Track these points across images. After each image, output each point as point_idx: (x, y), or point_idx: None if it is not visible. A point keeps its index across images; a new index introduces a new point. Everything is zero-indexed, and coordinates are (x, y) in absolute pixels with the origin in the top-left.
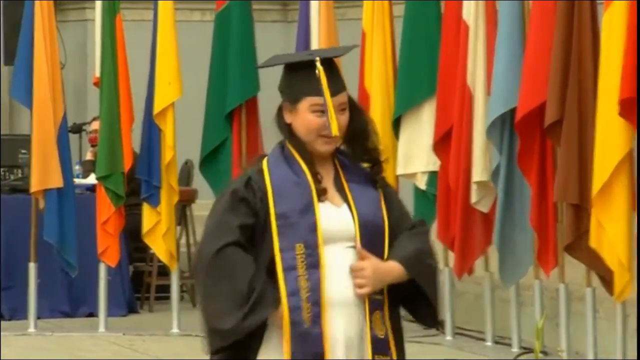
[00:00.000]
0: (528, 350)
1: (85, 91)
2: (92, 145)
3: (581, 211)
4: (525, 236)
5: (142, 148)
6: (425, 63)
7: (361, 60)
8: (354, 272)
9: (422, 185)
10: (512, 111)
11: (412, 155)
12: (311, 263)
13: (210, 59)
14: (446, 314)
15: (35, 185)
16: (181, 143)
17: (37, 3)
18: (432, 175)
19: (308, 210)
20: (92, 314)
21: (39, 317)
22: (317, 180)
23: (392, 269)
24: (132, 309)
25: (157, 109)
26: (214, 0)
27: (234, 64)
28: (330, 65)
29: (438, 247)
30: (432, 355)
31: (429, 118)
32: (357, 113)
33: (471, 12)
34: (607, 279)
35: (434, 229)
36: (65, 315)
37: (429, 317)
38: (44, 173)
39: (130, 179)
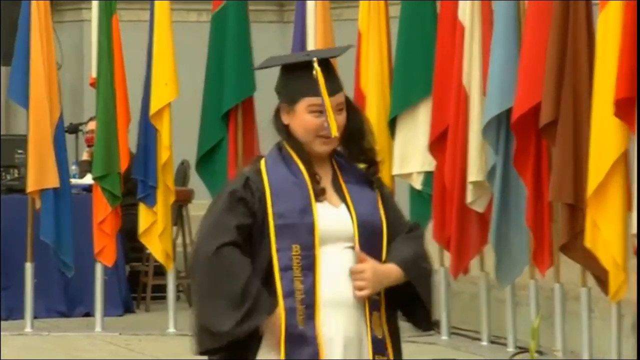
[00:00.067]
0: (523, 349)
1: (81, 91)
2: (89, 146)
3: (576, 211)
4: (521, 236)
5: (139, 148)
6: (421, 63)
7: (357, 60)
8: (353, 274)
9: (418, 185)
10: (508, 111)
11: (408, 156)
12: (307, 265)
13: (207, 59)
14: (442, 314)
15: (31, 185)
16: (177, 143)
17: (33, 3)
18: (428, 175)
19: (306, 210)
20: (89, 314)
21: (35, 317)
22: (316, 181)
23: (391, 271)
24: (128, 309)
25: (153, 109)
26: (210, 0)
27: (230, 64)
28: (327, 65)
29: (434, 247)
30: (428, 355)
31: (424, 118)
32: (353, 113)
33: (467, 13)
34: (602, 279)
35: (430, 229)
36: (62, 315)
37: (423, 320)
38: (40, 173)
39: (127, 179)
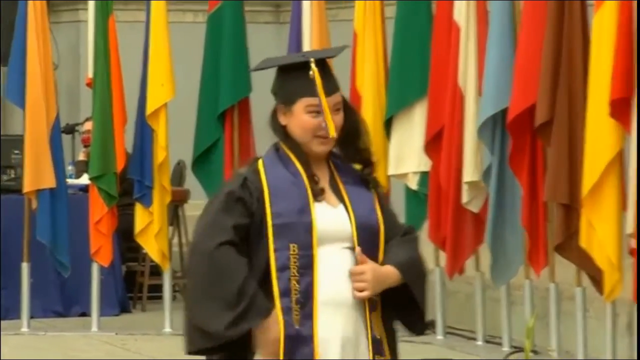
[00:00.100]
0: (518, 349)
1: (78, 92)
2: (85, 146)
3: (571, 211)
4: (516, 236)
5: (135, 148)
6: (417, 64)
7: (353, 61)
8: (354, 275)
9: (414, 186)
10: (504, 111)
11: (404, 156)
12: (304, 264)
13: (203, 60)
14: (437, 314)
15: (27, 186)
16: (173, 143)
17: (30, 3)
18: (424, 175)
19: (304, 210)
20: (85, 314)
21: (32, 317)
22: (314, 181)
23: (389, 273)
24: (124, 309)
25: (149, 109)
26: (206, 0)
27: (226, 65)
28: (323, 66)
29: (429, 247)
30: (423, 355)
31: (420, 119)
32: (350, 113)
33: (462, 13)
34: (597, 279)
35: (425, 229)
36: (58, 314)
37: (417, 323)
38: (36, 173)
39: (123, 179)
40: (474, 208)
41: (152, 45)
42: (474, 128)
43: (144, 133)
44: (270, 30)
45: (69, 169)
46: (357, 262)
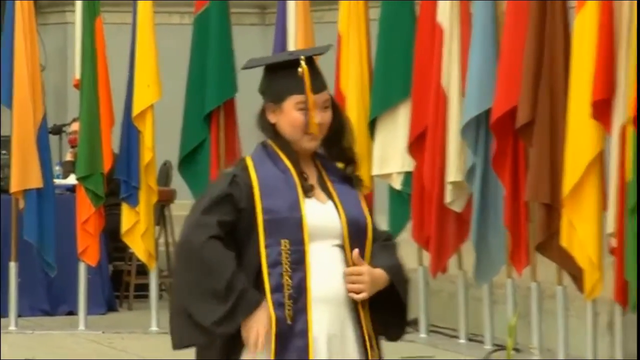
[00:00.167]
0: (501, 347)
1: (65, 93)
2: (72, 146)
3: (552, 211)
4: (499, 235)
5: (122, 149)
6: (401, 65)
7: (337, 62)
8: (350, 276)
9: (398, 186)
10: (487, 112)
11: (388, 156)
12: (296, 260)
13: (189, 61)
14: (421, 312)
15: (15, 186)
16: (160, 144)
17: (17, 4)
18: (407, 175)
19: (294, 206)
20: (72, 312)
21: (19, 316)
22: (304, 178)
23: (382, 275)
24: (111, 308)
25: (136, 110)
26: (192, 1)
27: (212, 66)
28: (312, 64)
29: (413, 246)
30: (406, 353)
31: (404, 120)
32: (336, 111)
33: (446, 15)
34: (577, 278)
35: (409, 229)
36: (46, 313)
37: (397, 328)
38: (23, 173)
39: (110, 179)
40: (457, 208)
41: (138, 47)
42: (457, 129)
43: (131, 134)
44: (256, 32)
45: (57, 169)
46: (348, 262)
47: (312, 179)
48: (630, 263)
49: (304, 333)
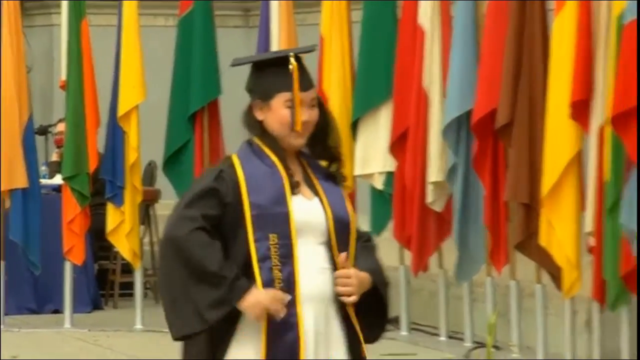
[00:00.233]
0: (480, 344)
1: (51, 94)
2: (58, 147)
3: (531, 210)
4: (479, 235)
5: (107, 149)
6: (383, 67)
7: (320, 64)
8: (339, 278)
9: (379, 186)
10: (468, 113)
11: (369, 157)
12: (284, 254)
13: (174, 62)
14: (402, 310)
15: (1, 186)
16: (145, 144)
17: (4, 3)
18: (389, 175)
19: (281, 201)
20: (58, 311)
21: (6, 314)
22: (290, 174)
23: (366, 278)
24: (96, 306)
25: (121, 111)
26: (177, 2)
27: (197, 67)
28: (300, 62)
29: (394, 245)
30: (387, 350)
31: (386, 120)
32: (322, 110)
33: (427, 17)
34: (556, 276)
35: (390, 228)
36: (32, 312)
37: (376, 329)
38: (9, 174)
39: (95, 179)
40: (438, 207)
41: (123, 49)
42: (438, 129)
43: (116, 134)
44: (240, 34)
45: (43, 169)
46: (333, 259)
47: (298, 176)
48: (609, 262)
49: (294, 326)
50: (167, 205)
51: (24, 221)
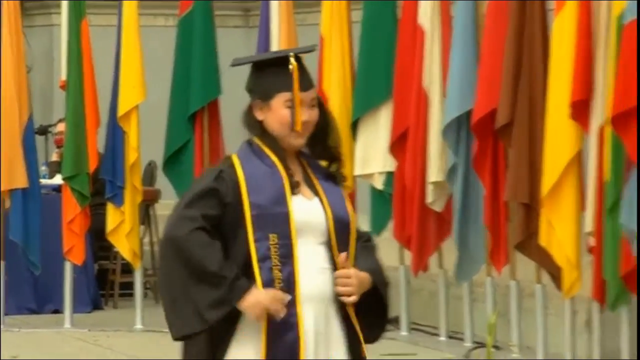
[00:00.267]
0: (480, 344)
1: (51, 94)
2: (58, 147)
3: (531, 210)
4: (479, 235)
5: (107, 149)
6: (383, 67)
7: (319, 64)
8: (339, 278)
9: (379, 186)
10: (468, 113)
11: (370, 157)
12: (284, 254)
13: (174, 62)
14: (402, 310)
15: (1, 186)
16: (145, 144)
17: (4, 3)
18: (389, 175)
19: (281, 201)
20: (58, 311)
21: (6, 314)
22: (290, 174)
23: (366, 278)
24: (96, 306)
25: (121, 111)
26: (177, 1)
27: (197, 67)
28: (300, 62)
29: (394, 245)
30: (387, 350)
31: (386, 120)
32: (322, 110)
33: (427, 17)
34: (556, 276)
35: (390, 228)
36: (32, 312)
37: (376, 329)
38: (9, 174)
39: (95, 179)
40: (437, 207)
41: (123, 49)
42: (438, 129)
43: (116, 134)
44: (240, 34)
45: (43, 169)
46: (333, 259)
47: (298, 176)
48: (609, 262)
49: (294, 326)
50: (167, 205)
51: (24, 221)
